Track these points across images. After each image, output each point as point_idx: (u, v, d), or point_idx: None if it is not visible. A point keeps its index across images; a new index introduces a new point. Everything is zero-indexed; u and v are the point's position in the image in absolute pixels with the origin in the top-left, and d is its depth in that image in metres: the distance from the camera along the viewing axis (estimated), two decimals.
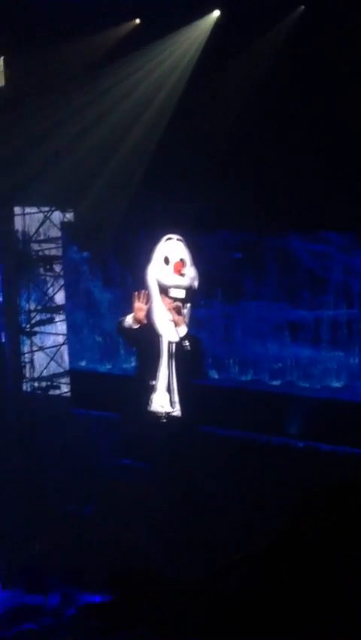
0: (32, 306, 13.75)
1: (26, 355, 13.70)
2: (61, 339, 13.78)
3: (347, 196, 10.39)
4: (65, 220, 13.53)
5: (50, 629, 9.19)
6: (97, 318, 13.14)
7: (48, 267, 13.73)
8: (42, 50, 11.87)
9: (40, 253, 13.82)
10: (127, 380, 12.32)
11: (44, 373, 13.80)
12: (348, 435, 11.12)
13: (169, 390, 11.21)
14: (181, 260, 11.21)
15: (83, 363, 13.36)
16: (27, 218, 13.78)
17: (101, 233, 12.51)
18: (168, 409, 11.22)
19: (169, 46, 11.61)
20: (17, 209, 13.77)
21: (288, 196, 10.78)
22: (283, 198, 10.83)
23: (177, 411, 11.20)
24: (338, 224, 11.05)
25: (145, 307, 10.94)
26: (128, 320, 11.06)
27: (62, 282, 13.65)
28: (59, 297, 13.70)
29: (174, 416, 11.20)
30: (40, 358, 13.86)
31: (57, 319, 13.82)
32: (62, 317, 13.67)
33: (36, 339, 13.82)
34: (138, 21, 11.70)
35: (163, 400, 11.19)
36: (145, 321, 10.99)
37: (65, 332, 13.68)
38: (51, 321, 13.85)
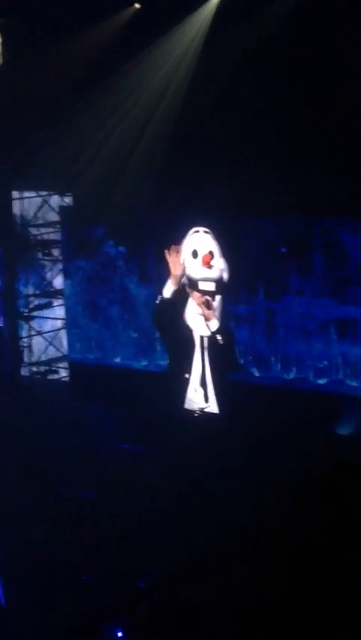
0: (30, 291, 13.69)
1: (24, 340, 13.65)
2: (59, 323, 13.73)
3: None
4: (64, 204, 13.46)
5: None
6: (132, 313, 12.72)
7: (46, 251, 13.67)
8: (42, 36, 11.76)
9: (39, 237, 13.75)
10: (161, 376, 11.97)
11: (43, 358, 13.75)
12: None
13: (203, 385, 10.99)
14: (210, 252, 10.91)
15: (117, 360, 12.96)
16: (25, 203, 13.70)
17: (137, 225, 12.13)
18: (202, 404, 11.03)
19: (175, 31, 11.49)
20: (15, 194, 13.70)
21: (337, 181, 10.39)
22: (333, 183, 10.42)
23: (211, 406, 11.02)
24: None
25: (180, 261, 10.53)
26: (168, 287, 10.61)
27: (60, 266, 13.59)
28: (58, 282, 13.64)
29: (208, 412, 11.02)
30: (38, 343, 13.81)
31: (55, 304, 13.76)
32: (61, 301, 13.61)
33: (34, 324, 13.77)
34: (137, 6, 11.60)
35: (197, 396, 11.00)
36: (183, 279, 10.57)
37: (63, 317, 13.62)
38: (49, 305, 13.79)
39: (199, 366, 10.95)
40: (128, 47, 11.71)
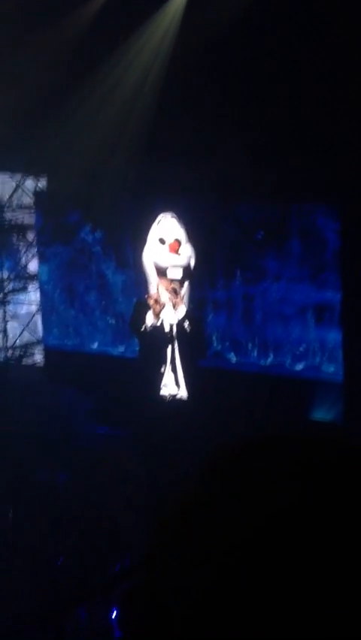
0: (5, 275, 13.63)
1: None
2: (34, 308, 13.69)
3: None
4: (38, 189, 13.39)
5: None
6: (109, 299, 12.58)
7: (21, 235, 13.59)
8: (20, 21, 11.67)
9: (13, 222, 13.67)
10: (136, 363, 11.90)
11: (17, 342, 13.71)
12: None
13: (174, 371, 11.01)
14: (176, 239, 10.93)
15: (94, 346, 12.86)
16: None
17: (113, 210, 12.00)
18: (173, 390, 11.05)
19: (149, 20, 11.45)
20: None
21: (315, 164, 10.24)
22: (311, 166, 10.27)
23: (182, 393, 11.05)
24: None
25: (159, 305, 10.71)
26: (149, 316, 10.76)
27: (35, 250, 13.53)
28: (33, 266, 13.59)
29: (179, 399, 11.04)
30: (13, 328, 13.76)
31: (30, 288, 13.71)
32: (36, 286, 13.56)
33: (9, 308, 13.72)
34: None
35: (168, 382, 11.02)
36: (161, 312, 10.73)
37: (38, 301, 13.57)
38: (24, 289, 13.74)
39: (169, 353, 11.00)
40: (107, 32, 11.66)
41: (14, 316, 13.73)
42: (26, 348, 13.67)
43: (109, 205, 12.03)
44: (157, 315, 10.80)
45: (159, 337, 11.02)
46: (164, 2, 11.43)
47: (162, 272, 10.98)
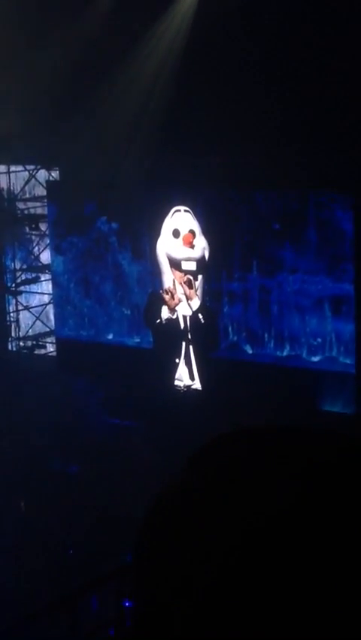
0: (18, 265, 13.65)
1: (12, 314, 13.63)
2: (46, 298, 13.70)
3: None
4: (51, 179, 13.40)
5: None
6: (125, 290, 12.44)
7: (34, 225, 13.61)
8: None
9: (26, 212, 13.70)
10: (151, 353, 11.83)
11: (30, 333, 13.74)
12: None
13: (188, 363, 11.03)
14: (190, 231, 10.91)
15: (110, 337, 12.73)
16: (12, 177, 13.64)
17: (129, 202, 11.94)
18: (187, 382, 11.07)
19: (164, 14, 11.43)
20: (2, 167, 13.63)
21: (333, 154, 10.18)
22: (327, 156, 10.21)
23: (196, 384, 11.06)
24: None
25: (176, 299, 10.72)
26: (164, 311, 10.76)
27: (47, 241, 13.54)
28: (45, 257, 13.60)
29: (193, 389, 11.05)
30: (25, 318, 13.79)
31: (43, 279, 13.73)
32: (48, 276, 13.57)
33: (21, 299, 13.74)
34: None
35: (182, 373, 11.04)
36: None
37: (50, 291, 13.57)
38: (37, 280, 13.76)
39: (183, 344, 11.03)
40: (123, 26, 11.64)
41: (26, 307, 13.76)
42: (38, 338, 13.69)
43: (125, 196, 12.01)
44: (172, 310, 10.82)
45: (173, 329, 11.05)
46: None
47: (175, 264, 10.99)
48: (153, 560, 0.93)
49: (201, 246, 11.02)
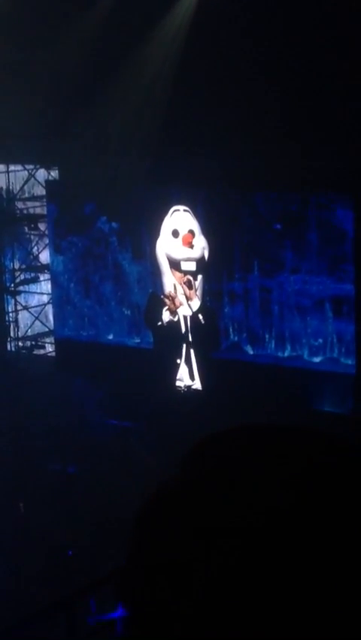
0: (16, 265, 13.62)
1: (10, 314, 13.60)
2: (45, 298, 13.68)
3: None
4: (50, 178, 13.38)
5: None
6: (125, 290, 12.39)
7: (33, 225, 13.59)
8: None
9: (25, 211, 13.68)
10: (151, 353, 11.78)
11: (29, 333, 13.71)
12: None
13: (188, 363, 11.02)
14: (190, 231, 10.89)
15: (110, 337, 12.68)
16: (11, 176, 13.62)
17: (129, 201, 11.91)
18: (188, 382, 11.06)
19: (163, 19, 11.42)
20: (1, 167, 13.61)
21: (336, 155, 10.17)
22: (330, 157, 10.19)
23: (197, 384, 11.04)
24: None
25: (177, 301, 10.72)
26: (165, 314, 10.76)
27: (46, 240, 13.51)
28: (44, 256, 13.58)
29: (194, 389, 11.03)
30: (24, 318, 13.77)
31: (42, 278, 13.71)
32: (47, 276, 13.54)
33: (20, 299, 13.72)
34: None
35: (183, 374, 11.03)
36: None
37: (49, 291, 13.55)
38: (36, 280, 13.74)
39: (184, 345, 11.01)
40: (123, 27, 11.62)
41: (25, 307, 13.73)
42: (37, 338, 13.67)
43: (125, 196, 11.99)
44: (174, 312, 10.82)
45: (174, 331, 11.03)
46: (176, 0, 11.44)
47: (175, 264, 10.96)
48: (152, 560, 0.93)
49: (201, 246, 10.99)
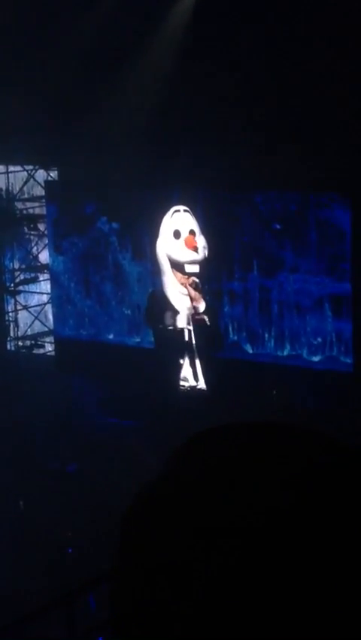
0: (16, 265, 13.66)
1: (10, 314, 13.64)
2: (45, 298, 13.71)
3: None
4: (50, 179, 13.42)
5: None
6: (125, 290, 12.43)
7: (32, 225, 13.63)
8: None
9: (25, 212, 13.71)
10: (152, 353, 11.80)
11: (28, 332, 13.75)
12: None
13: (192, 363, 11.03)
14: (191, 232, 10.90)
15: (110, 336, 12.69)
16: (11, 177, 13.65)
17: (129, 202, 11.92)
18: (192, 382, 11.07)
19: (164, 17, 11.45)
20: (1, 168, 13.64)
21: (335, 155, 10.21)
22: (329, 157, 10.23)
23: (201, 384, 11.05)
24: None
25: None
26: (167, 316, 10.79)
27: (46, 241, 13.55)
28: (44, 256, 13.61)
29: (198, 389, 11.04)
30: (24, 317, 13.80)
31: (42, 278, 13.75)
32: (47, 276, 13.58)
33: (20, 298, 13.75)
34: None
35: (187, 374, 11.04)
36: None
37: (49, 291, 13.58)
38: (35, 280, 13.77)
39: (187, 346, 11.03)
40: (121, 29, 11.65)
41: (25, 306, 13.77)
42: (37, 338, 13.70)
43: (125, 196, 12.01)
44: (176, 312, 10.83)
45: (177, 331, 11.06)
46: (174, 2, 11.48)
47: (178, 266, 10.98)
48: (150, 560, 0.91)
49: (202, 245, 11.02)
